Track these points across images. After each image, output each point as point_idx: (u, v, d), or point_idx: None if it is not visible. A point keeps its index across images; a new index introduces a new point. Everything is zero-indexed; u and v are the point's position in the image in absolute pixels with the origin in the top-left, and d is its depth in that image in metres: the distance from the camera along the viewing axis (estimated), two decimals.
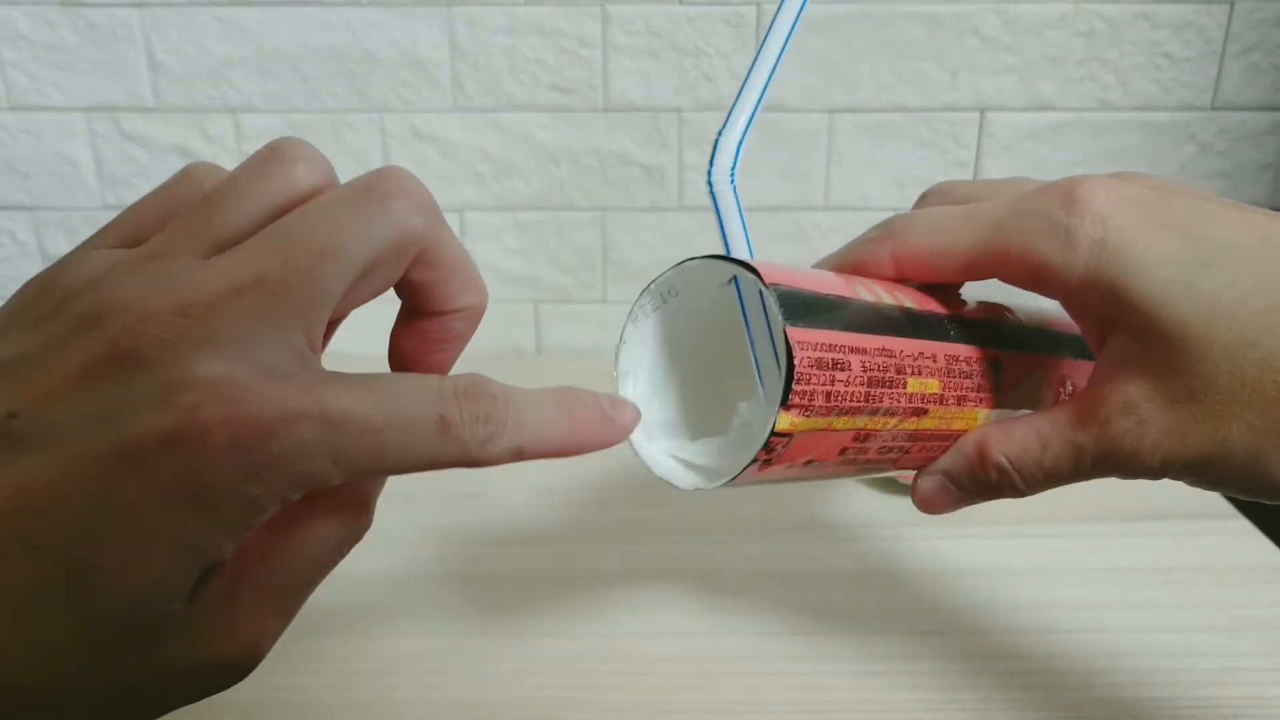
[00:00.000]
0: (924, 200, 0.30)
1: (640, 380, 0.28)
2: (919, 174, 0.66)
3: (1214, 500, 0.48)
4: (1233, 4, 0.62)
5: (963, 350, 0.29)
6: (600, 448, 0.24)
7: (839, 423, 0.25)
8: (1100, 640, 0.38)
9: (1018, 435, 0.27)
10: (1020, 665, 0.37)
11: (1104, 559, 0.43)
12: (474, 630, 0.39)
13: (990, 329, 0.30)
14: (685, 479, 0.26)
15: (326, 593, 0.43)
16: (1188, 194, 0.25)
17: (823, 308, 0.25)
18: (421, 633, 0.39)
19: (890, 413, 0.26)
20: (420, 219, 0.21)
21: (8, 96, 0.65)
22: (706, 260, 0.26)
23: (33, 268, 0.68)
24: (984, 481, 0.27)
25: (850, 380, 0.25)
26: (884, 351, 0.26)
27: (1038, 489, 0.27)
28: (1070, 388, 0.32)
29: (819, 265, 0.30)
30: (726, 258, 0.26)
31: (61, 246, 0.68)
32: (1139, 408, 0.24)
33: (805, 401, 0.24)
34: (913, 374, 0.27)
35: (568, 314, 0.70)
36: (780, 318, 0.24)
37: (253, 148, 0.75)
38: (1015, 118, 0.65)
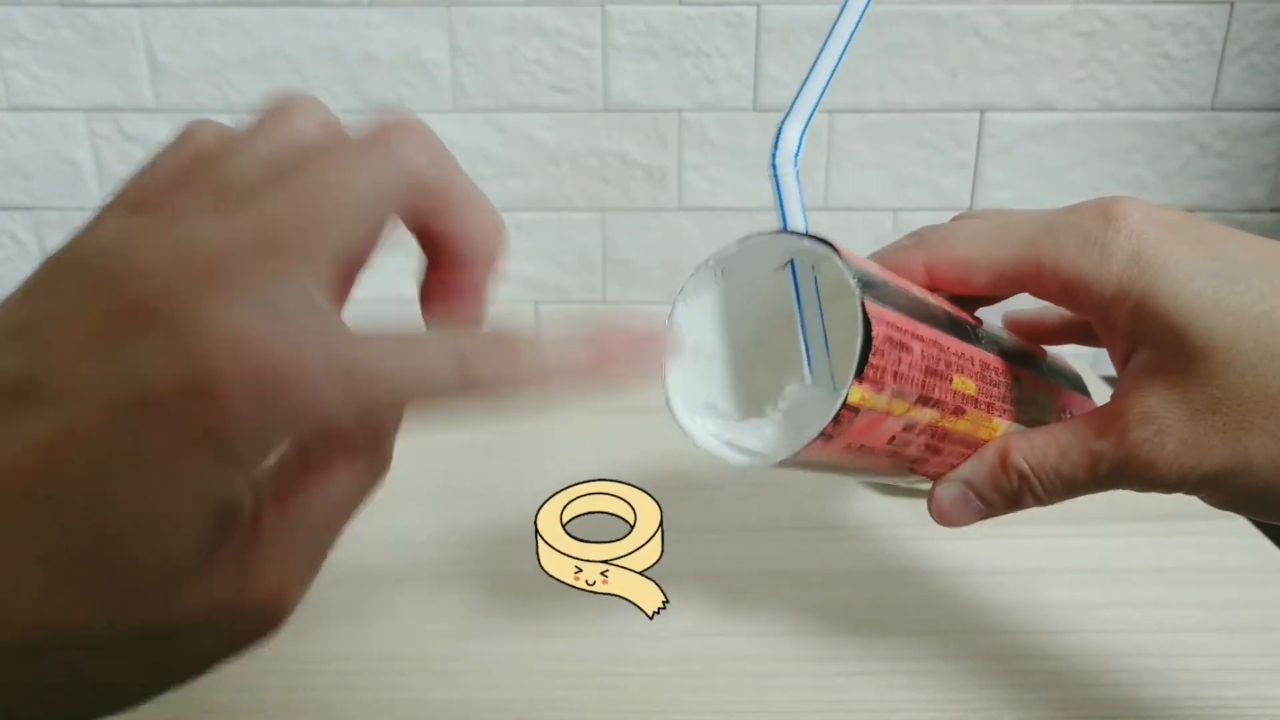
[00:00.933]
0: (958, 220, 0.31)
1: (686, 360, 0.28)
2: (919, 174, 0.66)
3: None
4: (1232, 4, 0.62)
5: (992, 360, 0.29)
6: (632, 376, 0.23)
7: (897, 406, 0.25)
8: (1100, 640, 0.38)
9: (1038, 442, 0.27)
10: (1020, 665, 0.37)
11: (1104, 559, 0.43)
12: (473, 631, 0.39)
13: (1009, 345, 0.30)
14: (735, 458, 0.26)
15: (327, 592, 0.43)
16: (1213, 224, 0.26)
17: (888, 290, 0.25)
18: (420, 633, 0.39)
19: (938, 406, 0.26)
20: (426, 157, 0.21)
21: (8, 97, 0.65)
22: (774, 235, 0.26)
23: (33, 268, 0.68)
24: (1004, 488, 0.27)
25: (912, 364, 0.25)
26: (936, 344, 0.26)
27: (1056, 497, 0.27)
28: (1069, 415, 0.32)
29: None
30: (796, 232, 0.26)
31: None
32: (1159, 417, 0.24)
33: (877, 377, 0.24)
34: (957, 372, 0.27)
35: (568, 314, 0.70)
36: (858, 291, 0.24)
37: None
38: (1015, 118, 0.65)
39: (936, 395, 0.26)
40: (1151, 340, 0.24)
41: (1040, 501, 0.27)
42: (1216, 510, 0.51)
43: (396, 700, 0.36)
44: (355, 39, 0.64)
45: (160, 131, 0.65)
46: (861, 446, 0.26)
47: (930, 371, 0.26)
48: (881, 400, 0.25)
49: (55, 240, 0.67)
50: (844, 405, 0.24)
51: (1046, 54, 0.63)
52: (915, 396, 0.26)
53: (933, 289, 0.29)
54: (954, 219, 0.30)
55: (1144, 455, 0.24)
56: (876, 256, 0.29)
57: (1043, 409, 0.31)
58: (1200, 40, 0.63)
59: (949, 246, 0.28)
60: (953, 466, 0.29)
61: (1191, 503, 0.51)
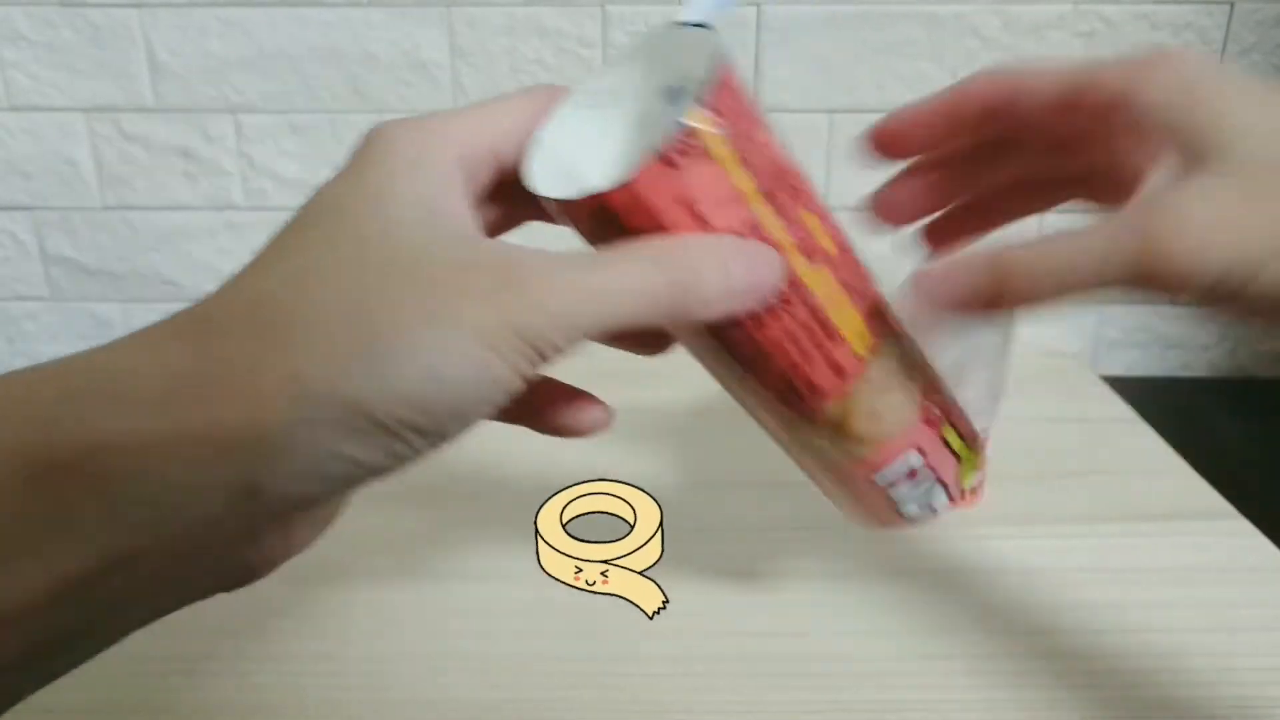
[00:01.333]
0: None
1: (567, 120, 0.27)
2: None
3: (1214, 500, 0.48)
4: (1232, 5, 0.62)
5: (864, 267, 0.29)
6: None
7: (739, 175, 0.24)
8: (1099, 640, 0.38)
9: (1038, 242, 0.25)
10: (1020, 665, 0.37)
11: (1104, 559, 0.43)
12: (473, 630, 0.39)
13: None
14: (562, 190, 0.24)
15: (326, 592, 0.43)
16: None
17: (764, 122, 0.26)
18: (420, 633, 0.39)
19: (786, 221, 0.26)
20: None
21: (8, 97, 0.65)
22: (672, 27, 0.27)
23: (33, 268, 0.68)
24: (993, 266, 0.25)
25: (764, 147, 0.25)
26: (796, 174, 0.27)
27: (1046, 289, 0.24)
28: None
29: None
30: (691, 23, 0.27)
31: (62, 247, 0.68)
32: (1192, 204, 0.22)
33: (719, 108, 0.24)
34: (810, 213, 0.27)
35: None
36: (720, 51, 0.24)
37: (253, 148, 0.75)
38: None
39: (784, 203, 0.25)
40: (1185, 137, 0.24)
41: (1029, 296, 0.24)
42: (1216, 510, 0.51)
43: (396, 700, 0.36)
44: (355, 39, 0.64)
45: (160, 132, 0.65)
46: (704, 221, 0.24)
47: (781, 175, 0.25)
48: (722, 146, 0.24)
49: (56, 240, 0.68)
50: (681, 125, 0.23)
51: (1046, 54, 0.63)
52: (760, 181, 0.25)
53: (991, 111, 0.29)
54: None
55: (1174, 237, 0.22)
56: (933, 98, 0.30)
57: (904, 355, 0.29)
58: (1200, 40, 0.63)
59: (1009, 67, 0.28)
60: (798, 355, 0.27)
61: (1192, 503, 0.51)
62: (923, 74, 0.63)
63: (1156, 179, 0.24)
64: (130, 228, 0.67)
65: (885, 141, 0.31)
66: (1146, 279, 0.22)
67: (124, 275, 0.68)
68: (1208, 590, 0.41)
